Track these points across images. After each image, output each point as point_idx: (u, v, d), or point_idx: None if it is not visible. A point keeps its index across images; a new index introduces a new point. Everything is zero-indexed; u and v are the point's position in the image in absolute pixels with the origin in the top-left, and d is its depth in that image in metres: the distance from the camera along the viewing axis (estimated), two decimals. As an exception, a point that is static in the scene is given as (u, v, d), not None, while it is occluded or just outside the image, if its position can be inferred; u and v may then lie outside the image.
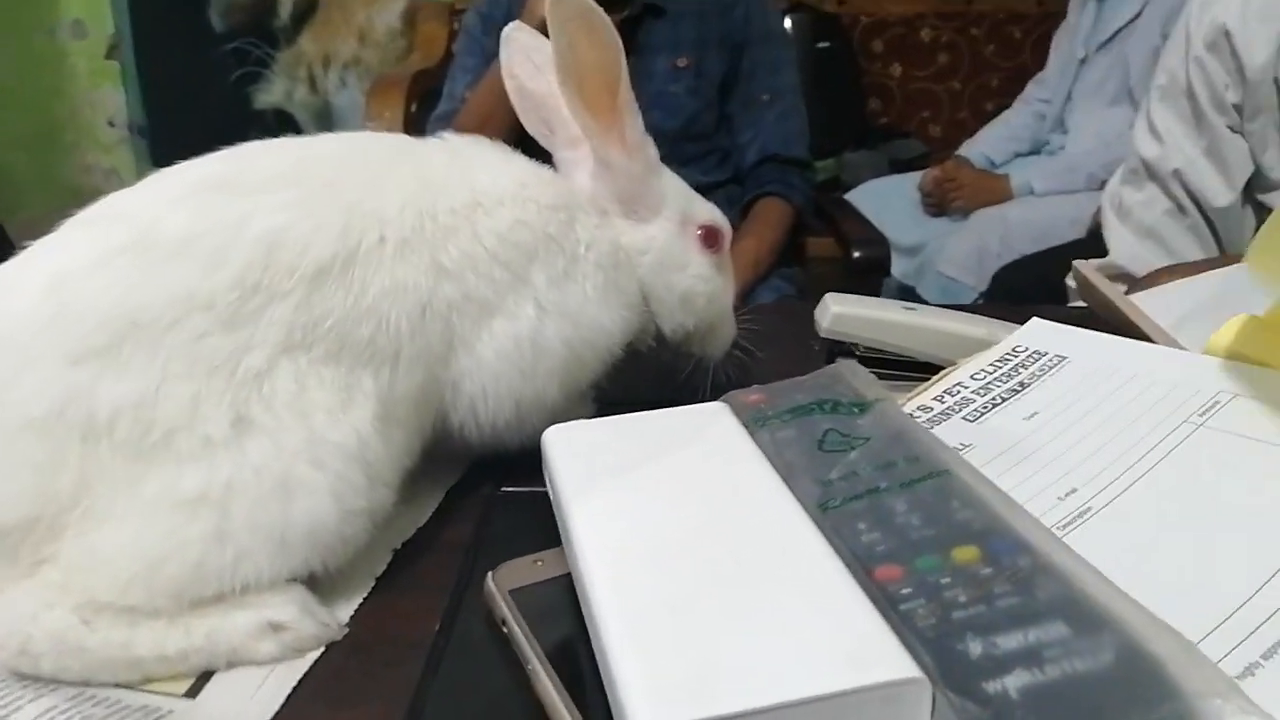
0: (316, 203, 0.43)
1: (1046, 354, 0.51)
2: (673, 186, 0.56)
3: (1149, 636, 0.30)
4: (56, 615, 0.36)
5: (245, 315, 0.39)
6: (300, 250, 0.41)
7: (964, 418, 0.48)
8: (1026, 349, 0.52)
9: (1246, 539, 0.36)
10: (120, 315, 0.37)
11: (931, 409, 0.50)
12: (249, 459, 0.38)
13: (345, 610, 0.42)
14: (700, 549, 0.36)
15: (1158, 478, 0.41)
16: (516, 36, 0.57)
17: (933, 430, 0.47)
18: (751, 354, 0.60)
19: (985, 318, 0.59)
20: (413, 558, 0.46)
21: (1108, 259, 1.05)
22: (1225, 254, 1.01)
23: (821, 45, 2.43)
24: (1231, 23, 0.94)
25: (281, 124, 2.87)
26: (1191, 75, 0.98)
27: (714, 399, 0.48)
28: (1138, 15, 1.97)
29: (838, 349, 0.61)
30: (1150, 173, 1.03)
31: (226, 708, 0.37)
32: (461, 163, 0.49)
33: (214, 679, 0.38)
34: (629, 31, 1.46)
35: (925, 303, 2.03)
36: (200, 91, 2.85)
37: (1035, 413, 0.47)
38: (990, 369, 0.52)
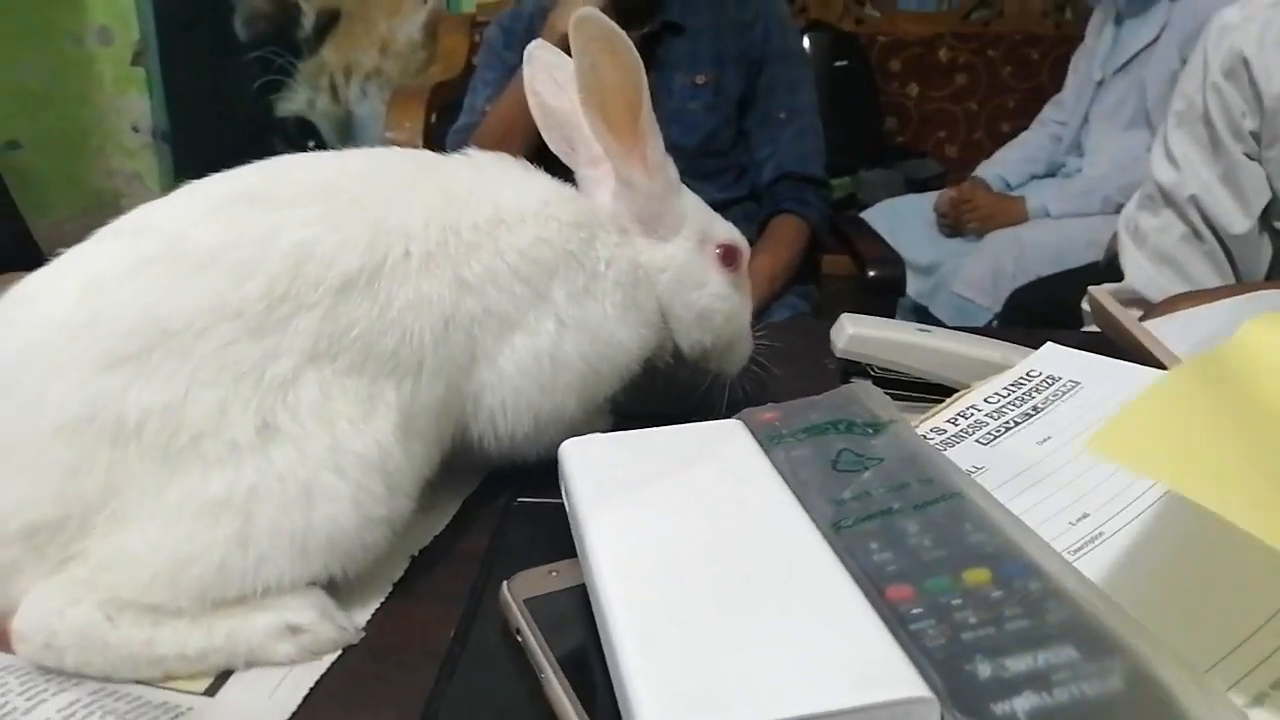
0: (343, 217, 0.43)
1: (1060, 379, 0.52)
2: (692, 206, 0.57)
3: (1158, 663, 0.30)
4: (82, 611, 0.37)
5: (272, 325, 0.40)
6: (327, 263, 0.42)
7: (977, 440, 0.49)
8: (1040, 373, 0.53)
9: (1257, 567, 0.37)
10: (151, 323, 0.38)
11: (945, 431, 0.50)
12: (273, 465, 0.39)
13: (363, 615, 0.42)
14: (713, 564, 0.36)
15: (1169, 504, 0.41)
16: (539, 54, 0.58)
17: (946, 452, 0.48)
18: (768, 371, 0.60)
19: (1000, 341, 0.60)
20: (430, 565, 0.46)
21: (1123, 284, 1.05)
22: (1242, 281, 1.01)
23: (839, 64, 2.44)
24: (1249, 50, 0.94)
25: (303, 133, 2.90)
26: (1209, 102, 0.98)
27: (730, 415, 0.49)
28: (1155, 39, 1.97)
29: (852, 368, 0.61)
30: (1167, 198, 1.03)
31: (244, 707, 0.37)
32: (485, 179, 0.50)
33: (233, 678, 0.39)
34: (648, 48, 1.47)
35: (939, 322, 2.03)
36: (223, 99, 2.88)
37: (1048, 437, 0.47)
38: (1004, 392, 0.52)
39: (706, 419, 0.48)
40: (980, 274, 1.96)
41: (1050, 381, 0.52)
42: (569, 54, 0.50)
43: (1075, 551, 0.40)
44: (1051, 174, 2.20)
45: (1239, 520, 0.29)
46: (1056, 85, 2.32)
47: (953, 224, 2.13)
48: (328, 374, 0.41)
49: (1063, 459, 0.45)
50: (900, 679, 0.30)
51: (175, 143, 2.93)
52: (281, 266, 0.41)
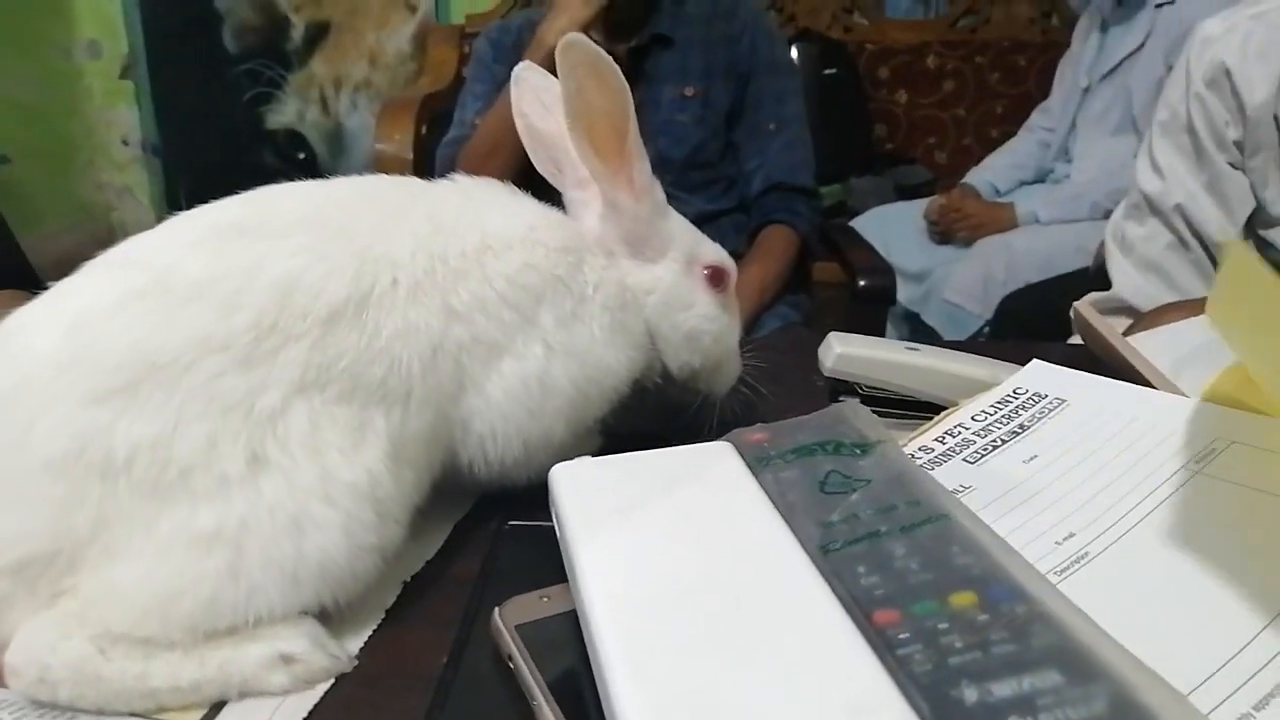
0: (331, 247, 0.44)
1: (1046, 396, 0.52)
2: (679, 227, 0.57)
3: (1141, 687, 0.30)
4: (74, 645, 0.37)
5: (260, 356, 0.40)
6: (314, 294, 0.42)
7: (964, 459, 0.49)
8: (1027, 391, 0.53)
9: (1241, 588, 0.37)
10: (139, 357, 0.38)
11: (933, 449, 0.50)
12: (263, 497, 0.39)
13: (355, 642, 0.43)
14: (702, 589, 0.37)
15: (1154, 524, 0.41)
16: (527, 76, 0.58)
17: (933, 471, 0.48)
18: (756, 390, 0.61)
19: (987, 359, 0.60)
20: (422, 591, 0.47)
21: (1111, 292, 1.06)
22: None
23: (828, 72, 2.45)
24: (1231, 61, 0.95)
25: (293, 145, 2.90)
26: (1192, 112, 0.99)
27: (719, 434, 0.49)
28: (1141, 46, 1.98)
29: (841, 387, 0.62)
30: (1152, 207, 1.04)
31: (238, 738, 0.37)
32: (473, 206, 0.50)
33: (226, 708, 0.39)
34: (637, 61, 1.48)
35: (930, 330, 2.04)
36: (213, 111, 2.89)
37: (1035, 455, 0.48)
38: (991, 410, 0.52)
39: (696, 439, 0.48)
40: (971, 281, 1.97)
41: (1036, 399, 0.52)
42: (556, 73, 0.50)
43: (1061, 571, 0.40)
44: (1040, 180, 2.22)
45: None
46: (1044, 91, 2.33)
47: (943, 231, 2.14)
48: (317, 404, 0.41)
49: (1049, 478, 0.46)
50: (887, 707, 0.30)
51: (165, 155, 2.93)
52: (269, 298, 0.41)
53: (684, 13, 1.51)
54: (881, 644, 0.34)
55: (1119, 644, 0.33)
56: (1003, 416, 0.51)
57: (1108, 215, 1.13)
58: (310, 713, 0.38)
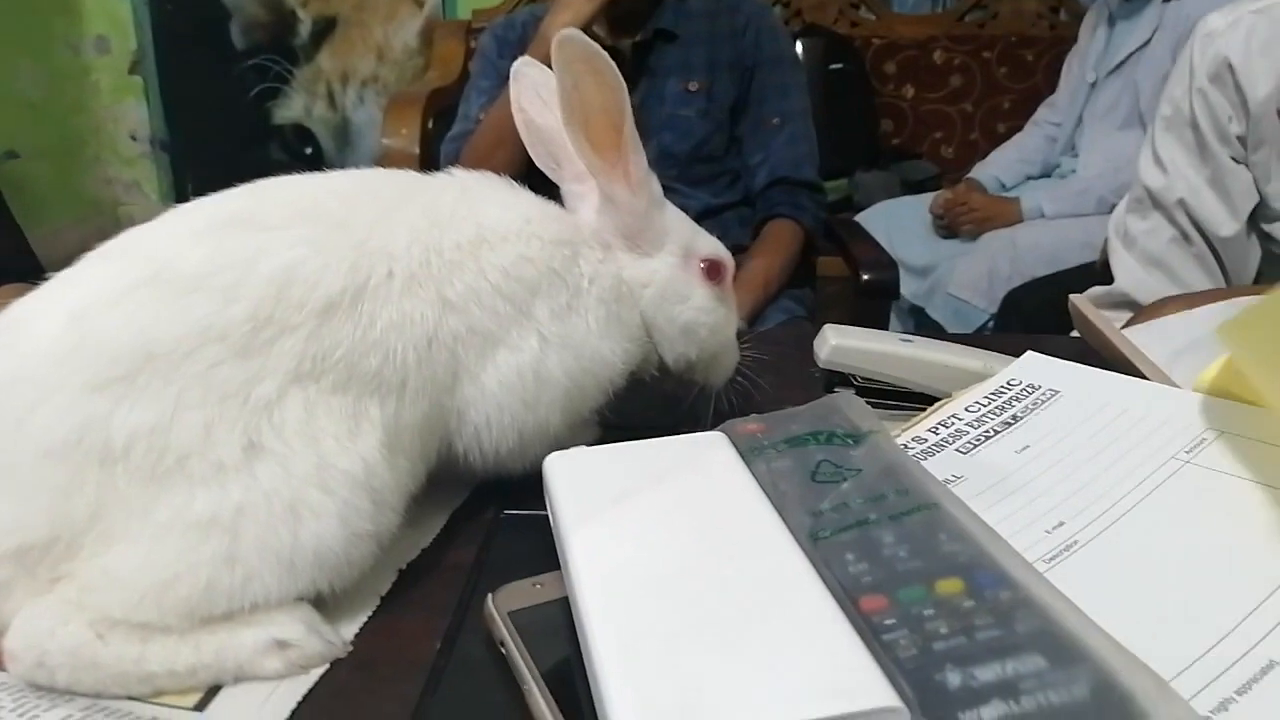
0: (328, 240, 0.44)
1: (1040, 388, 0.52)
2: (676, 220, 0.58)
3: (1123, 671, 0.31)
4: (72, 630, 0.38)
5: (257, 346, 0.41)
6: (310, 285, 0.42)
7: (957, 450, 0.49)
8: (1021, 382, 0.53)
9: (1226, 576, 0.37)
10: (138, 346, 0.39)
11: (926, 440, 0.51)
12: (259, 484, 0.39)
13: (350, 628, 0.43)
14: (693, 577, 0.37)
15: (1143, 513, 0.41)
16: (526, 72, 0.59)
17: (926, 461, 0.48)
18: (753, 381, 0.61)
19: (981, 350, 0.60)
20: (417, 578, 0.47)
21: (1114, 287, 1.06)
22: (1231, 283, 1.02)
23: (834, 67, 2.45)
24: (1234, 56, 0.95)
25: (300, 139, 2.91)
26: (1195, 106, 0.99)
27: (715, 426, 0.49)
28: (1148, 41, 1.98)
29: (836, 378, 0.62)
30: (1155, 202, 1.03)
31: (234, 721, 0.38)
32: (469, 199, 0.51)
33: (222, 693, 0.39)
34: (641, 56, 1.48)
35: (935, 324, 2.03)
36: (221, 106, 2.90)
37: (1027, 446, 0.48)
38: (984, 401, 0.53)
39: (693, 430, 0.49)
40: (975, 275, 1.97)
41: (1030, 390, 0.52)
42: None
43: (1050, 560, 0.40)
44: (1046, 175, 2.21)
45: None
46: (1051, 86, 2.33)
47: (948, 225, 2.14)
48: (312, 393, 0.42)
49: (1040, 468, 0.46)
50: (872, 689, 0.31)
51: (173, 151, 2.95)
52: (266, 289, 0.41)
53: (688, 7, 1.50)
54: (868, 630, 0.34)
55: (1103, 630, 0.33)
56: (996, 407, 0.52)
57: (1113, 210, 1.13)
58: (304, 698, 0.39)
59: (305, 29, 2.84)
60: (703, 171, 1.50)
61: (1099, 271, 1.15)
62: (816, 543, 0.39)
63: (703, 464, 0.45)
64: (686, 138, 1.48)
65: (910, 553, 0.38)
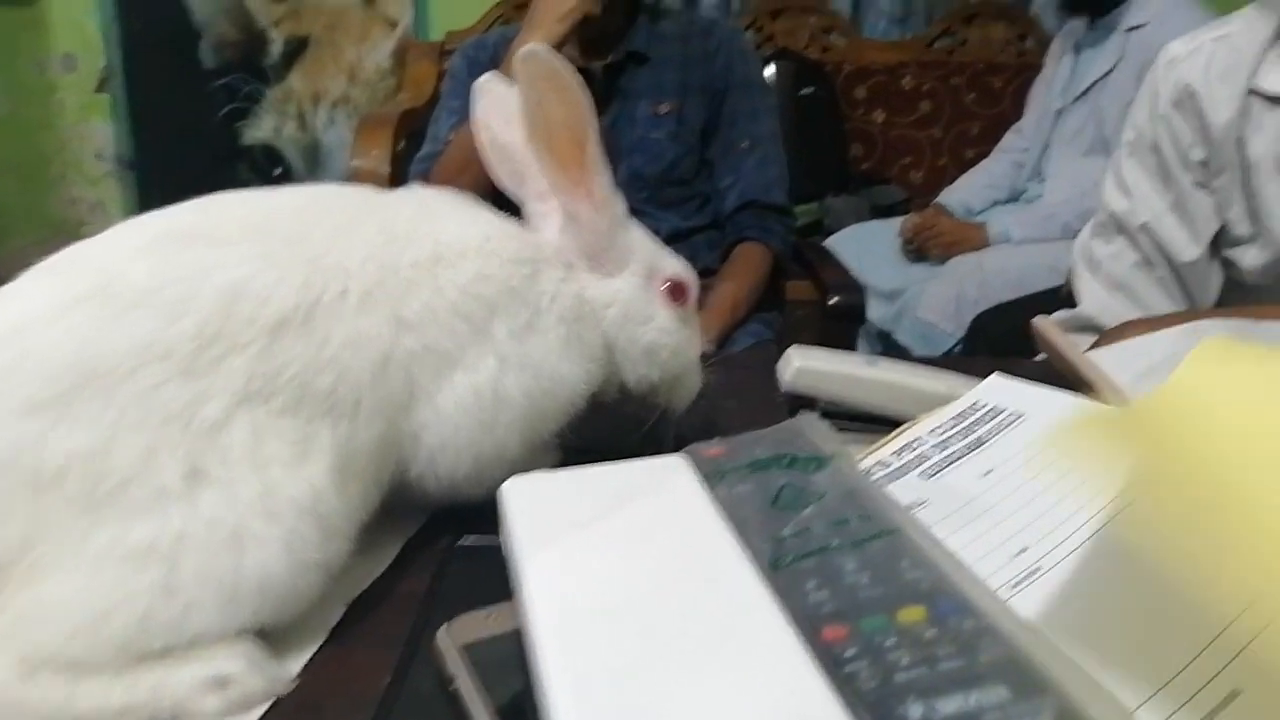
0: (280, 255, 0.43)
1: (1005, 411, 0.52)
2: (640, 240, 0.57)
3: (1086, 701, 0.30)
4: None
5: (203, 365, 0.39)
6: (261, 302, 0.41)
7: (921, 474, 0.49)
8: (986, 405, 0.53)
9: (1189, 603, 0.37)
10: (76, 365, 0.37)
11: (889, 464, 0.50)
12: (201, 511, 0.38)
13: (296, 663, 0.42)
14: (649, 608, 0.36)
15: (1106, 537, 0.41)
16: (489, 88, 0.58)
17: (890, 485, 0.48)
18: (717, 404, 0.60)
19: (946, 372, 0.60)
20: (368, 609, 0.46)
21: (1078, 310, 1.07)
22: (1194, 307, 1.03)
23: (804, 92, 2.47)
24: (1195, 82, 0.96)
25: (270, 160, 2.89)
26: (1158, 132, 1.00)
27: (678, 449, 0.48)
28: (1112, 69, 2.01)
29: (801, 401, 0.61)
30: (1119, 226, 1.04)
31: (170, 763, 0.36)
32: (427, 216, 0.50)
33: (158, 734, 0.38)
34: (613, 78, 1.49)
35: (903, 348, 2.04)
36: (190, 126, 2.87)
37: (991, 470, 0.48)
38: (949, 424, 0.52)
39: (655, 453, 0.48)
40: (943, 299, 1.98)
41: (994, 414, 0.52)
42: None
43: (1014, 585, 0.40)
44: (1014, 200, 2.24)
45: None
46: (1017, 113, 2.36)
47: (917, 249, 2.15)
48: (261, 415, 0.40)
49: (1004, 492, 0.46)
50: (829, 724, 0.30)
51: (140, 170, 2.91)
52: (213, 305, 0.40)
53: (659, 30, 1.51)
54: (829, 660, 0.33)
55: (1068, 658, 0.32)
56: (960, 431, 0.51)
57: (1079, 235, 1.14)
58: (246, 736, 0.38)
59: (276, 48, 2.83)
60: (673, 194, 1.50)
61: (1065, 296, 1.16)
62: (778, 570, 0.38)
63: (663, 489, 0.44)
64: (657, 160, 1.48)
65: (872, 580, 0.37)
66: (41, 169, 2.89)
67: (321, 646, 0.43)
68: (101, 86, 2.87)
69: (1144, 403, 0.39)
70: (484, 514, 0.47)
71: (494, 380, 0.48)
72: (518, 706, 0.36)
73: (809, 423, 0.50)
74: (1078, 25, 2.12)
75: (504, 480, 0.45)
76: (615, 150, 1.45)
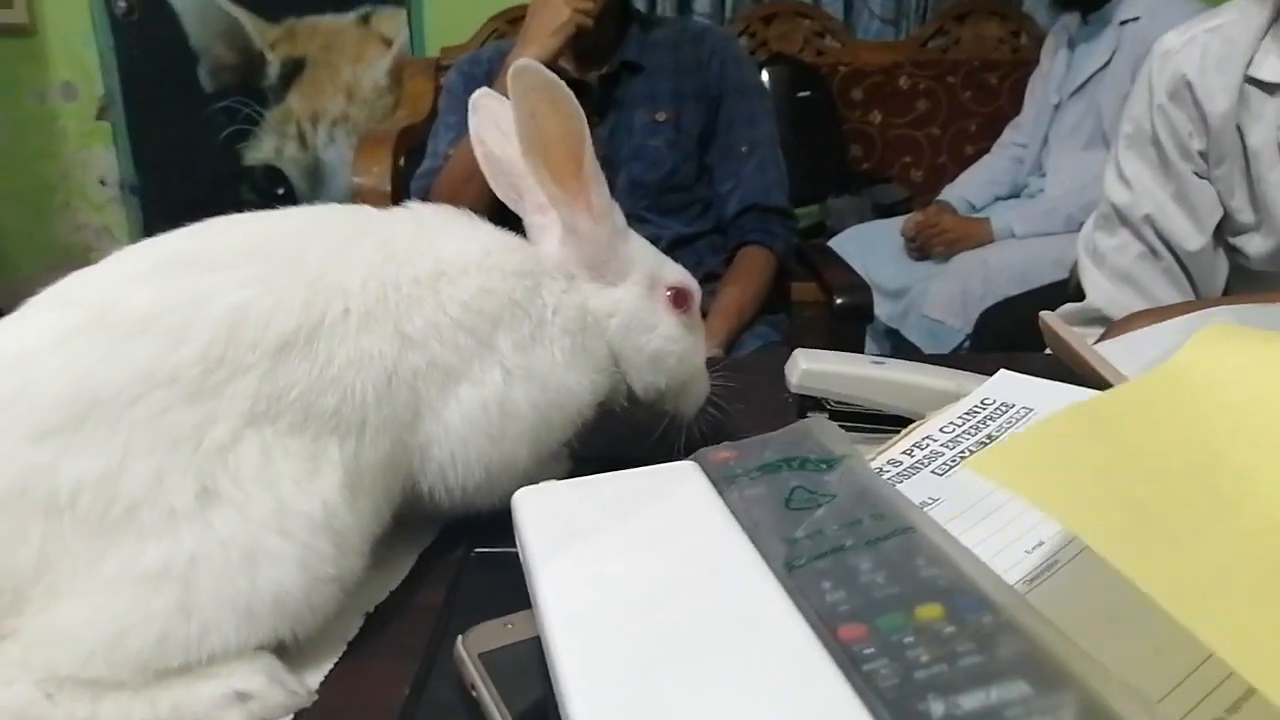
0: (279, 278, 0.43)
1: (1014, 406, 0.52)
2: (640, 249, 0.57)
3: (1110, 695, 0.30)
4: (17, 691, 0.36)
5: (209, 389, 0.39)
6: (263, 325, 0.41)
7: (933, 471, 0.49)
8: (994, 401, 0.53)
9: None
10: (81, 393, 0.38)
11: (901, 463, 0.50)
12: (214, 531, 0.38)
13: (315, 676, 0.42)
14: (666, 612, 0.36)
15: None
16: (484, 103, 0.58)
17: (902, 484, 0.48)
18: (725, 409, 0.60)
19: (953, 370, 0.60)
20: (385, 622, 0.46)
21: (1085, 303, 1.07)
22: (1200, 296, 1.03)
23: (801, 95, 2.47)
24: (1191, 73, 0.96)
25: (271, 180, 2.90)
26: (1156, 124, 1.00)
27: (688, 455, 0.48)
28: (1108, 62, 2.01)
29: (809, 403, 0.61)
30: (1122, 218, 1.04)
31: (192, 781, 0.36)
32: (427, 232, 0.50)
33: (179, 752, 0.38)
34: (608, 88, 1.49)
35: (911, 346, 2.04)
36: (191, 149, 2.89)
37: (1003, 465, 0.47)
38: (959, 421, 0.52)
39: (665, 460, 0.48)
40: (949, 296, 1.98)
41: (1004, 409, 0.52)
42: None
43: (1031, 581, 0.40)
44: (1015, 195, 2.24)
45: (1094, 545, 0.30)
46: (1015, 109, 2.36)
47: (920, 247, 2.15)
48: (269, 436, 0.40)
49: (1017, 487, 0.45)
50: (852, 724, 0.30)
51: (144, 195, 2.92)
52: (216, 330, 0.40)
53: (652, 39, 1.52)
54: (847, 660, 0.33)
55: (1088, 653, 0.32)
56: (970, 427, 0.51)
57: (1082, 227, 1.14)
58: (267, 752, 0.38)
59: (274, 70, 2.84)
60: (673, 201, 1.50)
61: (1071, 289, 1.16)
62: (792, 571, 0.38)
63: (674, 495, 0.44)
64: (656, 168, 1.48)
65: (888, 579, 0.37)
66: (46, 197, 2.91)
67: (340, 659, 0.43)
68: (102, 114, 2.89)
69: (1141, 382, 0.38)
70: (497, 524, 0.47)
71: (500, 393, 0.48)
72: (537, 713, 0.36)
73: (818, 424, 0.50)
74: (1071, 20, 2.13)
75: (515, 491, 0.45)
76: (614, 159, 1.45)
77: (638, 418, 0.58)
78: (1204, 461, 0.33)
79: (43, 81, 2.85)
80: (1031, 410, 0.51)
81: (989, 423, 0.51)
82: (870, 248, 2.18)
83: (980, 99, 2.61)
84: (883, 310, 2.09)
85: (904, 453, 0.51)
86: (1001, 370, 0.55)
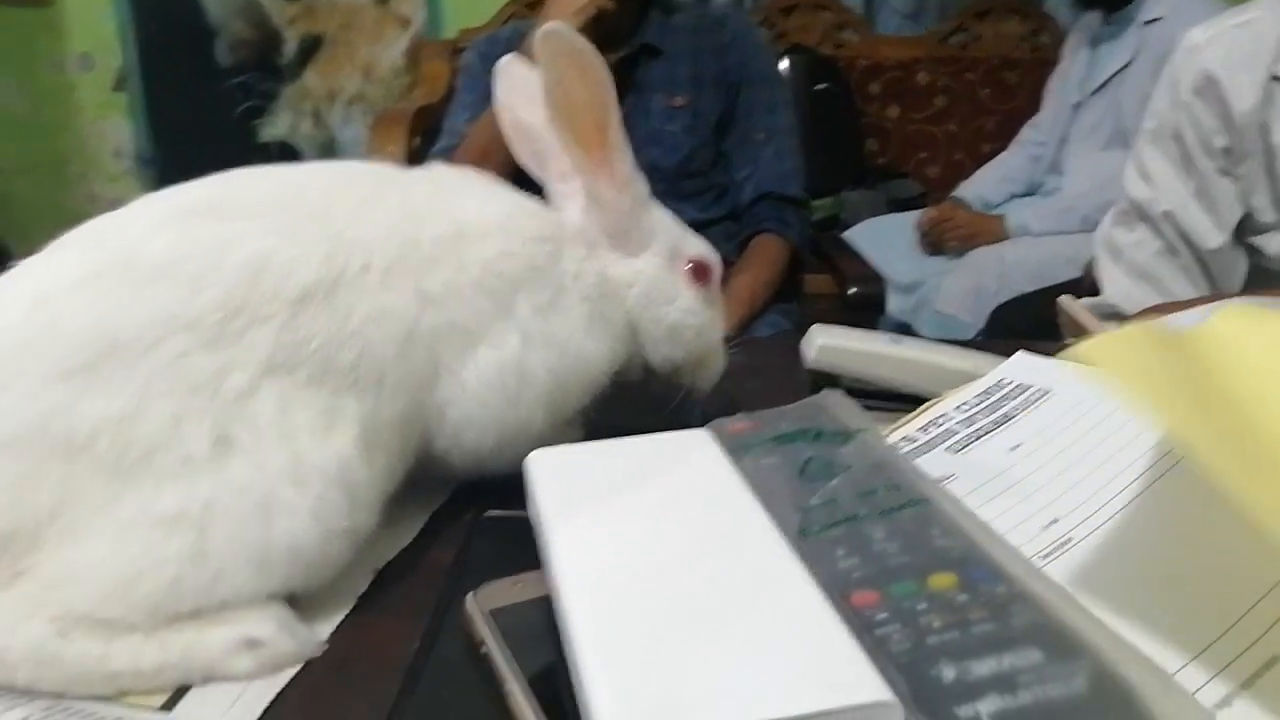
0: (301, 230, 0.43)
1: (1031, 386, 0.52)
2: (662, 221, 0.57)
3: (1123, 663, 0.30)
4: (33, 627, 0.36)
5: (228, 336, 0.39)
6: (284, 275, 0.41)
7: (948, 449, 0.48)
8: (1012, 382, 0.53)
9: (1225, 570, 0.36)
10: (102, 334, 0.38)
11: (916, 440, 0.50)
12: (230, 478, 0.38)
13: (325, 628, 0.42)
14: (678, 574, 0.36)
15: (1137, 509, 0.41)
16: (512, 70, 0.58)
17: (917, 461, 0.48)
18: (741, 386, 0.60)
19: (970, 350, 0.59)
20: (395, 578, 0.46)
21: (1101, 299, 1.06)
22: (1218, 293, 1.02)
23: (819, 87, 2.46)
24: (1217, 69, 0.95)
25: (286, 158, 2.90)
26: (1180, 120, 0.99)
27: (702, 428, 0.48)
28: (1130, 62, 2.00)
29: (824, 380, 0.61)
30: (1141, 214, 1.04)
31: (201, 723, 0.36)
32: (448, 193, 0.50)
33: (190, 693, 0.38)
34: (626, 71, 1.48)
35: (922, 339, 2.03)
36: (206, 124, 2.88)
37: (1019, 444, 0.47)
38: (975, 400, 0.52)
39: (678, 431, 0.48)
40: (962, 291, 1.97)
41: (1021, 389, 0.52)
42: None
43: (1045, 556, 0.39)
44: (1030, 193, 2.22)
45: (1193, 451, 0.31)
46: (1033, 108, 2.34)
47: (934, 242, 2.14)
48: (286, 386, 0.40)
49: (1033, 465, 0.45)
50: (863, 683, 0.30)
51: (158, 168, 2.93)
52: (237, 278, 0.40)
53: (672, 23, 1.51)
54: (859, 624, 0.33)
55: (1101, 622, 0.32)
56: (987, 407, 0.51)
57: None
58: (275, 698, 0.38)
59: (291, 47, 2.84)
60: (689, 186, 1.50)
61: (1086, 288, 1.16)
62: (805, 539, 0.38)
63: (688, 461, 0.44)
64: (672, 152, 1.48)
65: (901, 548, 0.37)
66: (61, 168, 2.91)
67: (350, 613, 0.43)
68: (119, 86, 2.89)
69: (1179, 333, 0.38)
70: (509, 487, 0.47)
71: (518, 357, 0.48)
72: (545, 671, 0.36)
73: (834, 398, 0.50)
74: (1093, 19, 2.11)
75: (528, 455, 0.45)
76: (630, 143, 1.44)
77: (653, 390, 0.58)
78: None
79: (60, 52, 2.85)
80: (1049, 392, 0.50)
81: (1006, 403, 0.51)
82: (884, 241, 2.16)
83: (999, 97, 2.59)
84: (895, 305, 2.08)
85: (919, 429, 0.50)
86: (1019, 351, 0.55)
